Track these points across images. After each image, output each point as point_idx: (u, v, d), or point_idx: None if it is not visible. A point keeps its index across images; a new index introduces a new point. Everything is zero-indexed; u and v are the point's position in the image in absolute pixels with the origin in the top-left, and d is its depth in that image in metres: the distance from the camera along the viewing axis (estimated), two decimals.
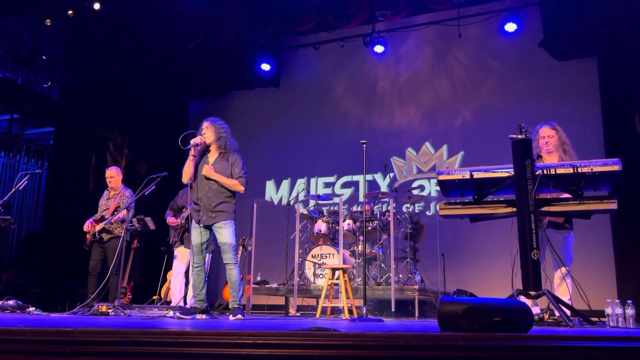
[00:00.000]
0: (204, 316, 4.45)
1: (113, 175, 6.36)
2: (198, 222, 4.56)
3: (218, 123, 4.71)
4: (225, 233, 4.48)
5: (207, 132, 4.64)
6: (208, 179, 4.55)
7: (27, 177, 6.34)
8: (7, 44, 9.63)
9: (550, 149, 4.46)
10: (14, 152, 10.45)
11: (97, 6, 8.37)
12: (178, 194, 6.36)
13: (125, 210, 5.86)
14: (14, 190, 6.26)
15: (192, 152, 4.58)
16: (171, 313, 5.08)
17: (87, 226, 6.19)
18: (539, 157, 4.47)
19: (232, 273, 4.48)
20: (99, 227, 6.08)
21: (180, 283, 6.08)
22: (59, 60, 9.95)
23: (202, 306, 4.49)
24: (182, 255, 6.11)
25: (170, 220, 6.15)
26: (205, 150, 4.69)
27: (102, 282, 5.89)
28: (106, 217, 6.09)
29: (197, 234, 4.56)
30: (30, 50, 9.90)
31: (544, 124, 4.52)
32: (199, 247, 4.55)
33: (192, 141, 4.58)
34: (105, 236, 6.10)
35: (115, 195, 6.29)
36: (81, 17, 8.78)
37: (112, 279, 5.87)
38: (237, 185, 4.56)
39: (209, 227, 4.58)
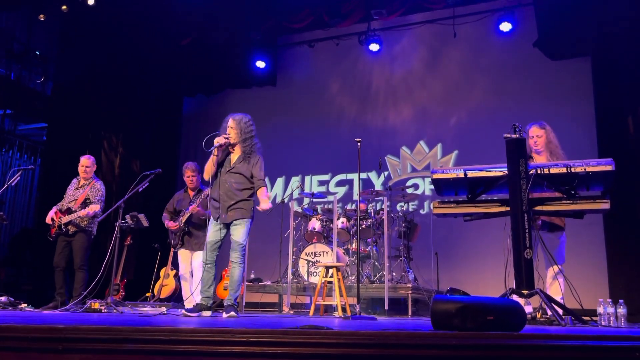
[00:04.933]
0: (209, 313, 4.43)
1: (89, 165, 6.00)
2: (217, 220, 4.53)
3: (244, 122, 4.61)
4: (240, 231, 4.46)
5: (232, 133, 4.57)
6: (232, 171, 4.51)
7: (19, 173, 6.28)
8: (0, 39, 9.55)
9: (539, 149, 4.47)
10: (7, 148, 10.36)
11: (91, 2, 8.31)
12: (174, 196, 6.21)
13: (97, 206, 5.64)
14: (6, 186, 6.22)
15: (214, 152, 4.53)
16: (164, 310, 5.07)
17: (49, 218, 5.82)
18: (530, 157, 4.47)
19: (236, 272, 4.45)
20: (65, 219, 5.73)
21: (189, 283, 5.93)
22: (52, 56, 9.88)
23: (208, 303, 4.45)
24: (184, 257, 6.00)
25: (170, 224, 5.94)
26: (227, 146, 4.62)
27: (71, 277, 5.75)
28: (73, 208, 5.75)
29: (214, 232, 4.52)
30: (24, 46, 9.81)
31: (533, 124, 4.51)
32: (214, 244, 4.50)
33: (216, 141, 4.52)
34: (72, 229, 5.72)
35: (85, 186, 5.93)
36: (75, 13, 8.71)
37: (77, 274, 5.69)
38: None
39: (227, 225, 4.54)
